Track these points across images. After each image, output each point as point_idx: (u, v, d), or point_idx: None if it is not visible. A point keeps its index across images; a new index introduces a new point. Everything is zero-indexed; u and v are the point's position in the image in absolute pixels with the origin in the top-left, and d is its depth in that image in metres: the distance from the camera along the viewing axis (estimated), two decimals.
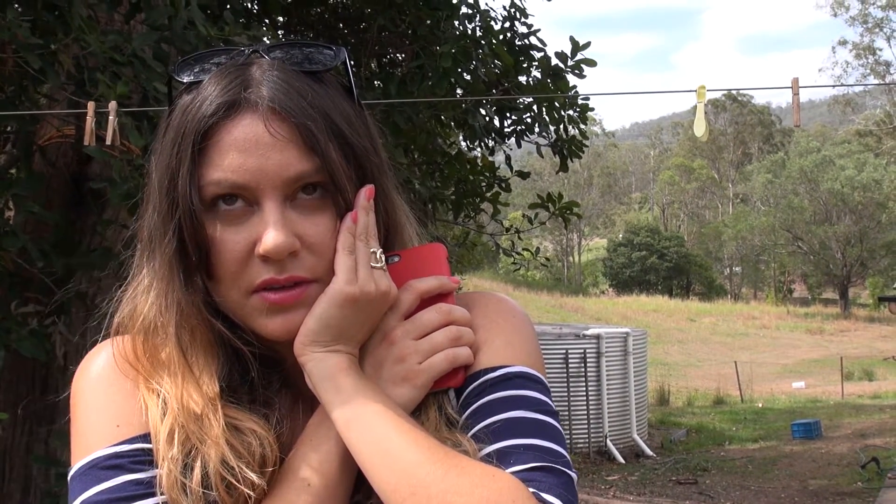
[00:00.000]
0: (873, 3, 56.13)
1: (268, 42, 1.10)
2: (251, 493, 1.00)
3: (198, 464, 1.01)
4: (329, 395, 1.02)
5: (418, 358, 1.07)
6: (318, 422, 1.06)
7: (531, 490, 0.96)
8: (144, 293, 1.09)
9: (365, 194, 1.06)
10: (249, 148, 1.00)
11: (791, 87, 3.08)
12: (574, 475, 1.02)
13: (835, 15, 58.55)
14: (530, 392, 1.07)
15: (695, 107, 3.07)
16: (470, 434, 1.04)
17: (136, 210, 1.14)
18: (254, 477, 1.00)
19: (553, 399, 1.09)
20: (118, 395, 1.07)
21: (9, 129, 4.40)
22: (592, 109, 6.84)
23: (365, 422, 1.00)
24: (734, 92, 79.89)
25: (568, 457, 1.03)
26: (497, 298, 1.17)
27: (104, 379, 1.08)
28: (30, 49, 3.08)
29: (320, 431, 1.05)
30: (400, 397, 1.06)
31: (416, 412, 1.07)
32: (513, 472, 0.98)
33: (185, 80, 1.07)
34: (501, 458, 1.00)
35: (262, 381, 1.09)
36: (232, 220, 1.02)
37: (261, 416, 1.06)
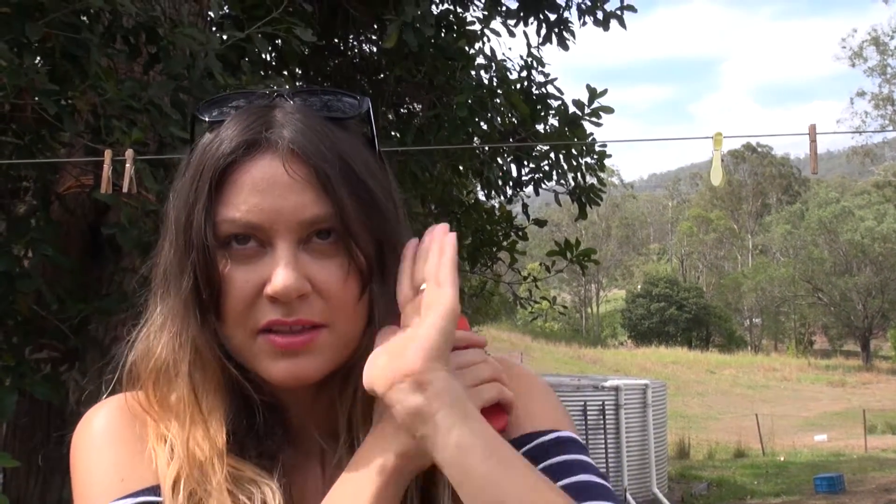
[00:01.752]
0: (892, 55, 56.33)
1: (290, 88, 1.09)
2: None
3: None
4: (460, 419, 0.93)
5: (465, 382, 1.00)
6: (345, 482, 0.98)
7: None
8: (158, 332, 1.06)
9: (441, 229, 1.04)
10: (266, 188, 0.98)
11: (808, 134, 3.07)
12: None
13: (853, 66, 58.73)
14: (587, 458, 1.04)
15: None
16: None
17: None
18: None
19: None
20: (123, 448, 1.04)
21: (28, 178, 4.43)
22: (610, 156, 6.87)
23: (507, 454, 0.93)
24: (753, 143, 79.93)
25: None
26: (519, 365, 1.14)
27: (108, 431, 1.05)
28: (47, 95, 3.11)
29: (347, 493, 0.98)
30: None
31: None
32: None
33: (207, 120, 1.06)
34: None
35: (267, 430, 1.05)
36: (243, 260, 1.00)
37: (263, 466, 1.02)
